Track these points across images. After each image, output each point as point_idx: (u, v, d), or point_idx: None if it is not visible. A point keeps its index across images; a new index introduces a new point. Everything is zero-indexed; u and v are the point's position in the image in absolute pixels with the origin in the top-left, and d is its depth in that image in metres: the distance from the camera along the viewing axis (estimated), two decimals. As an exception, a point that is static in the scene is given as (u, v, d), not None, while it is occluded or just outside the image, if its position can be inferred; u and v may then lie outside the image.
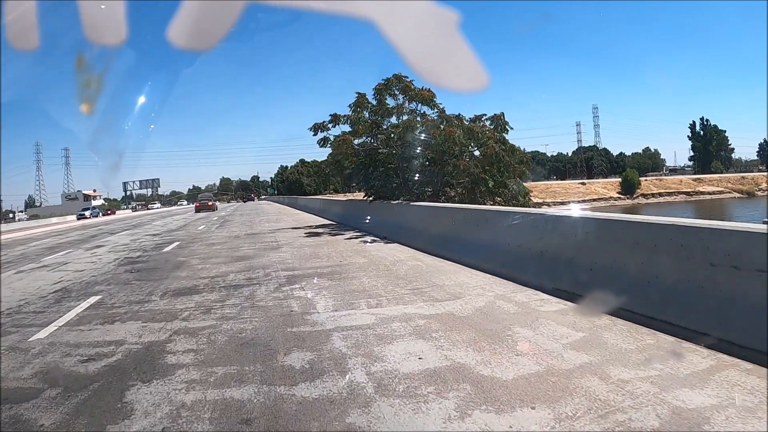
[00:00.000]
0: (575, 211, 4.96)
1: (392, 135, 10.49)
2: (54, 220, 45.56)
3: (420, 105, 11.00)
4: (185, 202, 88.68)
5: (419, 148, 10.02)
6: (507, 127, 10.46)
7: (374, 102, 12.09)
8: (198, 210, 35.77)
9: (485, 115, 11.52)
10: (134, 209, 68.22)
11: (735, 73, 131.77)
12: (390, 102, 11.96)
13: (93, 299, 5.46)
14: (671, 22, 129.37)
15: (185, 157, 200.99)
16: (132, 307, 4.92)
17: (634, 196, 69.82)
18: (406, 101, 11.05)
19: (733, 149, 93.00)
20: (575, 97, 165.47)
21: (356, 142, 12.63)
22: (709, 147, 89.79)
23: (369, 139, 12.49)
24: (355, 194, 70.41)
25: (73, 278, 7.10)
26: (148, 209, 64.44)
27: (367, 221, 11.19)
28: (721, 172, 79.45)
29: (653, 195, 70.51)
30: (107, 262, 8.84)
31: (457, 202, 9.76)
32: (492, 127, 10.52)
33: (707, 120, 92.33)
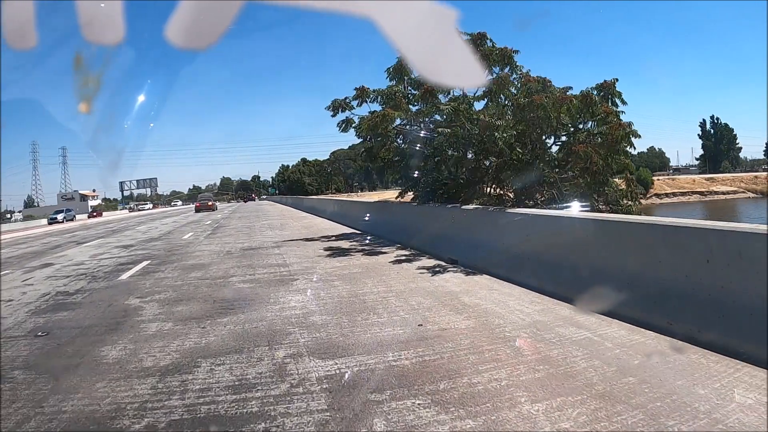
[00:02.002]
0: None
1: (459, 108, 7.15)
2: (44, 221, 42.25)
3: (494, 67, 7.66)
4: (179, 203, 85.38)
5: (500, 126, 6.70)
6: (620, 100, 7.16)
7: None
8: (198, 210, 35.46)
9: (570, 88, 8.20)
10: (131, 209, 64.75)
11: (734, 72, 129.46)
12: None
13: None
14: (669, 21, 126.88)
15: (185, 156, 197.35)
16: None
17: (648, 195, 67.10)
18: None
19: (741, 148, 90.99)
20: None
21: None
22: (720, 146, 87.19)
23: (408, 123, 9.15)
24: (360, 194, 66.99)
25: None
26: (138, 210, 60.89)
27: (414, 233, 7.92)
28: (730, 171, 77.00)
29: (667, 195, 68.10)
30: (27, 302, 5.57)
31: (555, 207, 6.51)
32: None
33: (718, 118, 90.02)
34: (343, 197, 38.38)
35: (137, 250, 10.59)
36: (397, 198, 10.80)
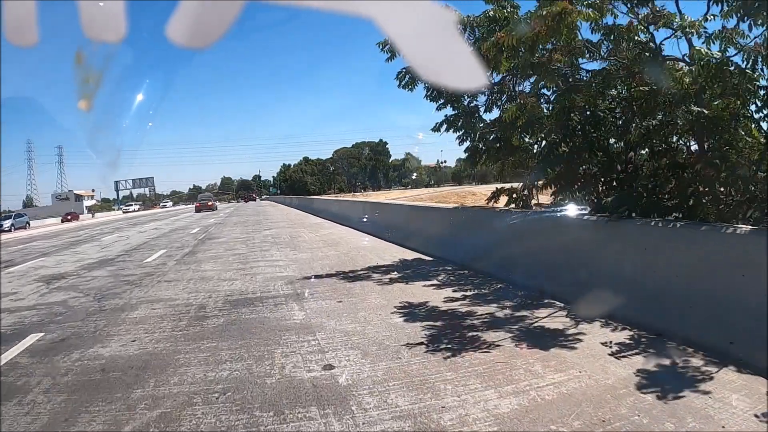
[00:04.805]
0: None
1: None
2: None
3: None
4: (169, 203, 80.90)
5: None
6: None
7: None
8: (198, 210, 35.34)
9: None
10: (125, 212, 60.30)
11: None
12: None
13: None
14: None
15: (185, 155, 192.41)
16: None
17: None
18: None
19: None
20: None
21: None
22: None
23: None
24: (365, 194, 61.77)
25: None
26: (124, 213, 56.32)
27: (611, 282, 3.60)
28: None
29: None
30: None
31: None
32: None
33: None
34: (349, 197, 33.93)
35: (57, 292, 6.24)
36: (489, 202, 6.50)
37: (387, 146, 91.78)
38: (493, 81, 5.69)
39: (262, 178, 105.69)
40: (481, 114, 6.14)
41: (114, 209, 72.21)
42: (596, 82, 4.50)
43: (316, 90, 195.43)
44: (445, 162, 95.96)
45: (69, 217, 42.49)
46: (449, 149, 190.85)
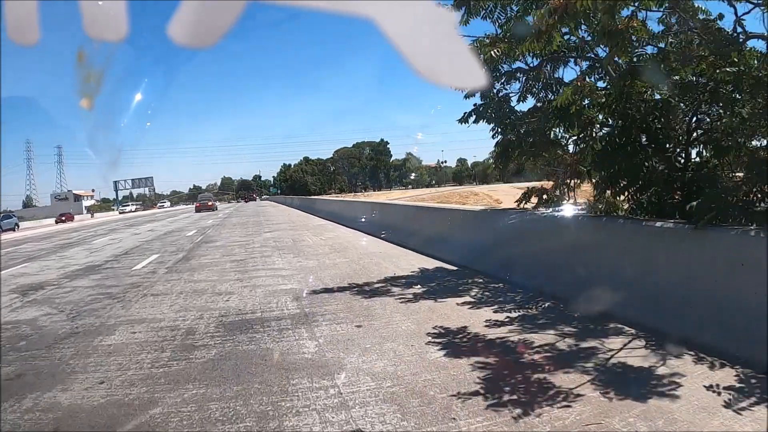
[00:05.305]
0: None
1: None
2: (28, 223, 38.24)
3: None
4: (167, 204, 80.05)
5: None
6: None
7: None
8: (198, 210, 35.07)
9: None
10: (122, 212, 59.34)
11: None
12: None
13: None
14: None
15: (185, 155, 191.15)
16: None
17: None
18: None
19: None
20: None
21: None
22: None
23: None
24: (366, 194, 60.81)
25: None
26: (121, 213, 55.47)
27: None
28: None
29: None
30: None
31: None
32: None
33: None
34: (350, 197, 33.18)
35: (30, 307, 5.49)
36: (519, 204, 5.76)
37: (388, 146, 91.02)
38: (530, 65, 4.97)
39: (263, 178, 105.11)
40: (512, 104, 5.42)
41: (113, 209, 71.46)
42: (663, 63, 3.77)
43: (316, 90, 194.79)
44: (445, 162, 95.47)
45: (63, 218, 41.13)
46: (450, 149, 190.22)
